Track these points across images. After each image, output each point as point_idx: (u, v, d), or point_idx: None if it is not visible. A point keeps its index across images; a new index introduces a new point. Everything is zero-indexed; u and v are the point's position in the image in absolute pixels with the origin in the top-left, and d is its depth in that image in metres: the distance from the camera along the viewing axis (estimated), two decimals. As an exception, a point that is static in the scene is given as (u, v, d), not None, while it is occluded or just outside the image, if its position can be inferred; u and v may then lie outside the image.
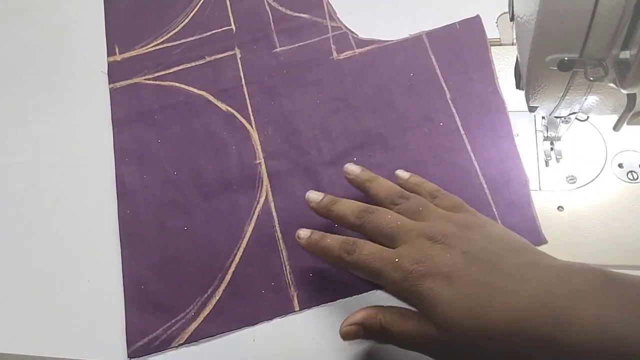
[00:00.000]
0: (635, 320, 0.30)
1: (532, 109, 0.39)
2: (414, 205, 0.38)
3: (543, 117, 0.45)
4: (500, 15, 0.52)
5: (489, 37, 0.52)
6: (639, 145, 0.45)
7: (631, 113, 0.35)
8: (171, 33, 0.54)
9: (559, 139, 0.45)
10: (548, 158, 0.46)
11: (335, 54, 0.52)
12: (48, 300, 0.44)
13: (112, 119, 0.51)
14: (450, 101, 0.49)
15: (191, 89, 0.52)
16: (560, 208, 0.44)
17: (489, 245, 0.35)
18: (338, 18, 0.54)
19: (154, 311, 0.42)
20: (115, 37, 0.55)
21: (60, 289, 0.45)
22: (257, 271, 0.43)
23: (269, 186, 0.47)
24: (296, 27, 0.54)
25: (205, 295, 0.43)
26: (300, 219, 0.44)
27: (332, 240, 0.39)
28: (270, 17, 0.55)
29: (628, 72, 0.30)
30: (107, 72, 0.53)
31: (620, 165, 0.45)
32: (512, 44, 0.51)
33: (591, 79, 0.32)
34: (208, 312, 0.42)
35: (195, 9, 0.56)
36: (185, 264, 0.44)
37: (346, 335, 0.37)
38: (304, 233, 0.40)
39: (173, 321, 0.42)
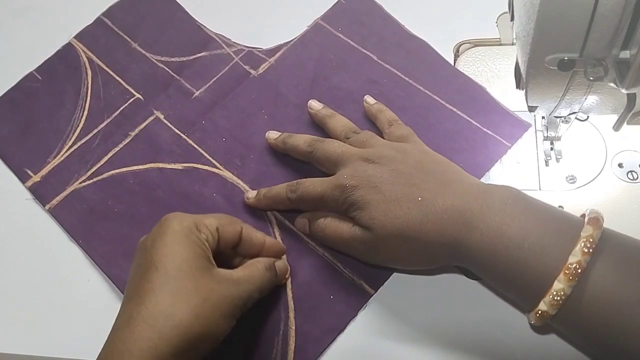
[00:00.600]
0: (532, 229, 0.34)
1: (532, 109, 0.39)
2: (362, 137, 0.43)
3: (543, 117, 0.45)
4: (500, 15, 0.52)
5: (489, 37, 0.52)
6: (639, 145, 0.45)
7: (631, 113, 0.35)
8: (77, 130, 0.50)
9: (559, 138, 0.45)
10: (548, 158, 0.46)
11: (252, 72, 0.52)
12: (48, 300, 0.44)
13: (69, 235, 0.46)
14: (379, 61, 0.51)
15: (135, 167, 0.48)
16: (560, 208, 0.44)
17: (420, 166, 0.39)
18: (234, 42, 0.53)
19: None
20: (19, 162, 0.49)
21: (60, 289, 0.45)
22: (315, 284, 0.42)
23: (275, 215, 0.45)
24: (200, 67, 0.52)
25: (280, 332, 0.41)
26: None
27: (279, 188, 0.43)
28: (169, 71, 0.52)
29: (628, 72, 0.30)
30: (32, 197, 0.48)
31: (620, 165, 0.45)
32: (512, 44, 0.51)
33: (591, 78, 0.32)
34: (294, 344, 0.40)
35: (88, 98, 0.52)
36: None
37: (297, 224, 0.44)
38: (251, 194, 0.45)
39: None
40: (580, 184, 0.45)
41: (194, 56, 0.53)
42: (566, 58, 0.32)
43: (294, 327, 0.41)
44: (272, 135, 0.47)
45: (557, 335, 0.39)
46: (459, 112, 0.48)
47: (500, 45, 0.51)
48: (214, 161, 0.48)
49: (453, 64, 0.51)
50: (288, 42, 0.53)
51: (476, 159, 0.46)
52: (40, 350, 0.43)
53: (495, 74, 0.50)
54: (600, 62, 0.31)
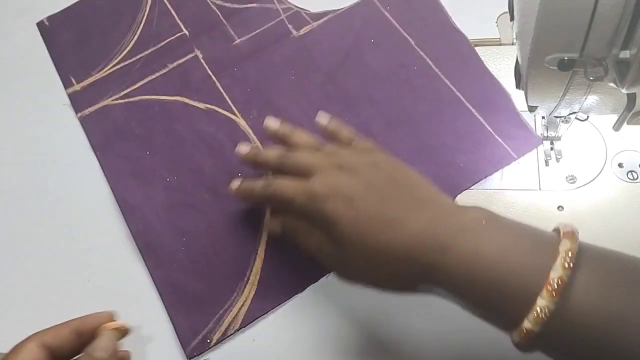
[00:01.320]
0: (509, 248, 0.33)
1: (532, 109, 0.39)
2: (329, 149, 0.42)
3: (543, 117, 0.45)
4: (500, 15, 0.52)
5: (489, 37, 0.52)
6: (639, 145, 0.45)
7: (631, 113, 0.35)
8: (124, 52, 0.54)
9: (559, 138, 0.45)
10: (548, 158, 0.46)
11: (294, 32, 0.54)
12: (48, 300, 0.44)
13: (90, 145, 0.50)
14: (416, 47, 0.52)
15: (163, 97, 0.52)
16: (560, 208, 0.44)
17: (393, 180, 0.38)
18: (286, 0, 0.55)
19: (199, 308, 0.43)
20: (67, 69, 0.54)
21: (60, 289, 0.45)
22: (288, 242, 0.44)
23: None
24: (248, 18, 0.55)
25: (245, 278, 0.43)
26: None
27: (257, 182, 0.43)
28: (220, 15, 0.56)
29: (628, 72, 0.30)
30: (69, 103, 0.53)
31: (620, 165, 0.45)
32: (512, 44, 0.51)
33: (591, 78, 0.32)
34: (254, 292, 0.43)
35: (141, 25, 0.56)
36: (215, 256, 0.45)
37: (267, 228, 0.44)
38: (234, 183, 0.44)
39: (222, 311, 0.42)
40: (580, 184, 0.45)
41: (245, 5, 0.56)
42: (566, 58, 0.32)
43: (258, 277, 0.43)
44: (243, 150, 0.44)
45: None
46: (476, 114, 0.48)
47: (500, 45, 0.51)
48: (233, 107, 0.51)
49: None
50: (336, 10, 0.55)
51: (478, 163, 0.46)
52: (40, 350, 0.42)
53: (495, 74, 0.50)
54: (600, 62, 0.31)
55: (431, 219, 0.35)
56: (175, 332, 0.42)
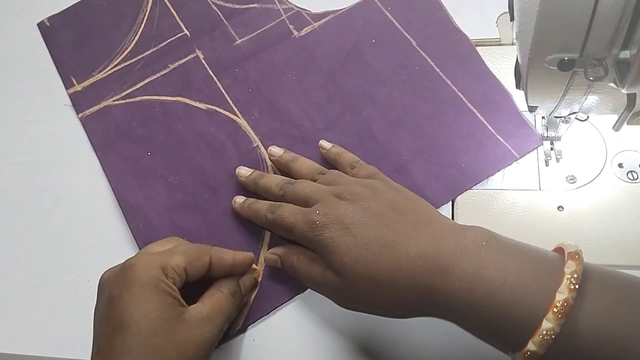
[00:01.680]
0: (511, 269, 0.32)
1: (532, 109, 0.39)
2: (329, 177, 0.43)
3: (543, 117, 0.45)
4: (500, 15, 0.52)
5: (488, 37, 0.52)
6: (639, 145, 0.45)
7: (631, 113, 0.35)
8: (125, 52, 0.55)
9: (559, 139, 0.45)
10: (548, 158, 0.46)
11: (295, 33, 0.54)
12: (48, 300, 0.44)
13: (91, 145, 0.50)
14: (417, 47, 0.52)
15: (164, 97, 0.52)
16: (560, 208, 0.44)
17: (392, 205, 0.38)
18: (287, 0, 0.55)
19: None
20: (68, 69, 0.55)
21: (60, 289, 0.45)
22: (290, 243, 0.44)
23: (273, 166, 0.48)
24: (249, 18, 0.55)
25: None
26: None
27: (261, 204, 0.43)
28: (220, 15, 0.56)
29: (628, 72, 0.30)
30: (70, 104, 0.53)
31: (620, 165, 0.45)
32: (512, 44, 0.51)
33: (591, 78, 0.32)
34: (256, 293, 0.43)
35: (142, 25, 0.56)
36: None
37: (268, 261, 0.43)
38: (239, 199, 0.45)
39: None
40: (580, 184, 0.45)
41: (246, 6, 0.56)
42: (566, 58, 0.32)
43: (260, 278, 0.43)
44: (243, 172, 0.46)
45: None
46: (478, 114, 0.48)
47: (500, 45, 0.51)
48: (234, 108, 0.51)
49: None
50: (337, 11, 0.55)
51: (480, 164, 0.46)
52: (40, 350, 0.43)
53: (495, 74, 0.50)
54: (600, 62, 0.31)
55: (431, 242, 0.35)
56: None
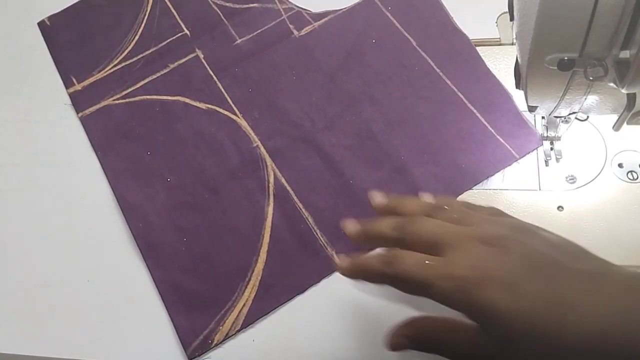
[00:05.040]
0: None
1: (532, 109, 0.39)
2: (452, 212, 0.34)
3: (543, 117, 0.45)
4: (500, 15, 0.52)
5: (488, 37, 0.52)
6: (639, 145, 0.45)
7: (631, 113, 0.35)
8: (125, 52, 0.55)
9: (559, 139, 0.45)
10: (548, 158, 0.46)
11: (295, 32, 0.54)
12: (48, 300, 0.44)
13: (91, 144, 0.50)
14: (417, 47, 0.52)
15: (164, 97, 0.52)
16: (560, 208, 0.44)
17: (548, 250, 0.31)
18: (287, 0, 0.55)
19: (200, 308, 0.43)
20: (68, 69, 0.55)
21: (60, 289, 0.45)
22: (290, 243, 0.45)
23: (273, 165, 0.48)
24: (249, 18, 0.55)
25: (246, 278, 0.43)
26: (314, 185, 0.46)
27: (371, 257, 0.33)
28: (221, 15, 0.56)
29: (628, 72, 0.30)
30: (70, 103, 0.53)
31: (620, 165, 0.45)
32: (512, 44, 0.51)
33: (591, 78, 0.32)
34: (255, 293, 0.43)
35: (142, 25, 0.56)
36: (216, 256, 0.45)
37: (394, 347, 0.33)
38: (342, 260, 0.34)
39: (222, 312, 0.42)
40: (580, 184, 0.44)
41: (247, 5, 0.56)
42: (566, 58, 0.32)
43: (259, 278, 0.43)
44: (353, 228, 0.35)
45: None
46: (478, 115, 0.48)
47: (500, 45, 0.51)
48: (234, 108, 0.51)
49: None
50: (337, 11, 0.55)
51: (480, 164, 0.46)
52: (41, 350, 0.43)
53: (495, 74, 0.50)
54: (600, 62, 0.31)
55: (616, 298, 0.29)
56: (176, 332, 0.42)
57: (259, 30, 0.54)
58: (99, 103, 0.52)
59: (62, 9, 0.58)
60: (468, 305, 0.29)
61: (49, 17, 0.58)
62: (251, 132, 0.49)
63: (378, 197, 0.37)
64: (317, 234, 0.45)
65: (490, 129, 0.47)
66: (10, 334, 0.44)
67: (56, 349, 0.42)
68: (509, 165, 0.46)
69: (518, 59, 0.37)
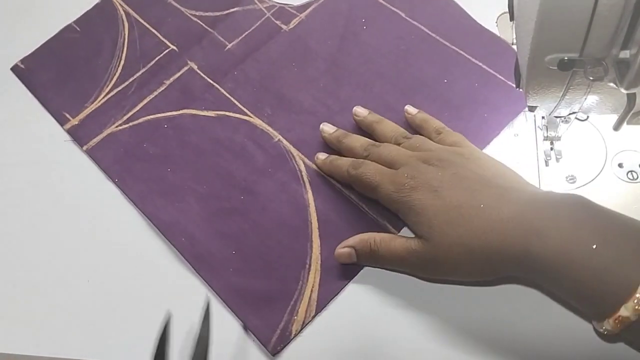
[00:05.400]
0: (609, 233, 0.32)
1: (532, 109, 0.39)
2: (415, 142, 0.42)
3: (543, 117, 0.45)
4: (500, 15, 0.52)
5: (488, 37, 0.52)
6: (639, 145, 0.45)
7: (631, 113, 0.35)
8: (114, 78, 0.53)
9: (558, 138, 0.45)
10: (548, 158, 0.46)
11: (284, 27, 0.54)
12: (48, 300, 0.44)
13: (105, 174, 0.49)
14: (407, 18, 0.53)
15: (169, 113, 0.51)
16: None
17: (479, 169, 0.38)
18: None
19: (268, 305, 0.42)
20: (57, 106, 0.52)
21: (60, 289, 0.45)
22: (338, 223, 0.45)
23: (300, 154, 0.48)
24: (233, 22, 0.55)
25: (307, 266, 0.43)
26: None
27: (344, 161, 0.44)
28: (203, 25, 0.56)
29: (628, 72, 0.30)
30: (70, 139, 0.51)
31: (620, 165, 0.45)
32: (512, 44, 0.51)
33: (591, 78, 0.32)
34: (319, 277, 0.43)
35: (125, 49, 0.55)
36: (269, 252, 0.44)
37: (340, 257, 0.41)
38: (322, 155, 0.46)
39: (292, 302, 0.42)
40: (580, 184, 0.44)
41: (227, 11, 0.56)
42: (566, 58, 0.32)
43: (319, 262, 0.43)
44: (327, 129, 0.47)
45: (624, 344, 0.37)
46: (484, 67, 0.50)
47: (500, 45, 0.51)
48: (244, 109, 0.51)
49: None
50: (317, 0, 0.55)
51: (501, 110, 0.48)
52: (41, 350, 0.43)
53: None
54: (600, 62, 0.31)
55: (524, 205, 0.34)
56: (252, 333, 0.41)
57: (247, 32, 0.55)
58: (102, 132, 0.51)
59: (34, 49, 0.56)
60: (402, 203, 0.38)
61: (22, 60, 0.56)
62: (269, 128, 0.49)
63: (360, 110, 0.47)
64: (364, 208, 0.45)
65: (500, 77, 0.49)
66: (10, 334, 0.44)
67: (56, 349, 0.42)
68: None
69: (518, 59, 0.37)
